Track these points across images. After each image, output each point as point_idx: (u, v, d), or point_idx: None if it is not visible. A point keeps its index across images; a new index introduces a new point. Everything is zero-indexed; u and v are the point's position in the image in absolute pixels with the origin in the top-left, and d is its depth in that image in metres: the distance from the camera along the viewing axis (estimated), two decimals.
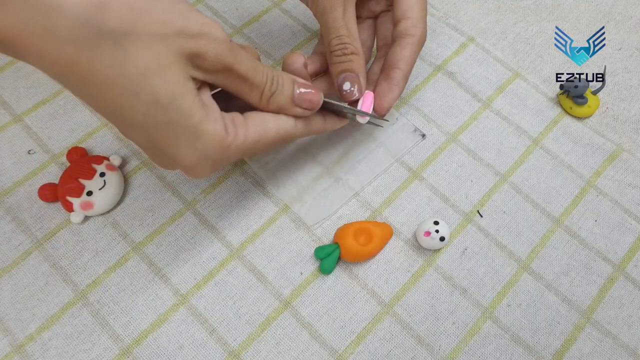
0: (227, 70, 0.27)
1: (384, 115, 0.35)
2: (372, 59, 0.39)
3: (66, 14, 0.22)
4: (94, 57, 0.23)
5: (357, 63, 0.34)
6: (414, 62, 0.35)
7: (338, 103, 0.33)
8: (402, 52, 0.35)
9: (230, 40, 0.27)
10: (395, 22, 0.36)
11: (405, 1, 0.35)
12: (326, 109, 0.33)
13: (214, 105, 0.27)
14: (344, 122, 0.35)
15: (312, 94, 0.31)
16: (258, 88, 0.29)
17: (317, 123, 0.33)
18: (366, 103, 0.34)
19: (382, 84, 0.35)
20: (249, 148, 0.29)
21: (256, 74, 0.28)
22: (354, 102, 0.34)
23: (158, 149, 0.27)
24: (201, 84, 0.27)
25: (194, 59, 0.25)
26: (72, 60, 0.22)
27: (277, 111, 0.30)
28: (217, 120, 0.27)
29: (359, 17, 0.36)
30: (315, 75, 0.37)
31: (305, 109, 0.31)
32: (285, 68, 0.34)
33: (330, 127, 0.34)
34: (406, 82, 0.35)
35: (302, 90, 0.31)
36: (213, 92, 0.29)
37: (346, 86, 0.33)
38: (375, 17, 0.39)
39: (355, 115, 0.34)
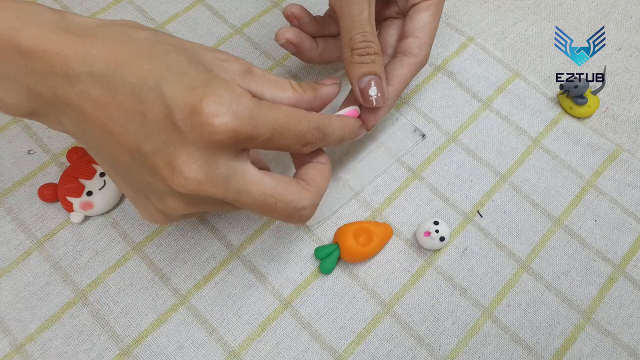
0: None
1: (369, 130, 0.34)
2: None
3: None
4: None
5: (380, 65, 0.32)
6: (409, 82, 0.35)
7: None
8: (400, 70, 0.34)
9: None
10: (401, 36, 0.35)
11: (418, 18, 0.34)
12: None
13: None
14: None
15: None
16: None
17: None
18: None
19: None
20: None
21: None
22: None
23: None
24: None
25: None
26: None
27: None
28: None
29: None
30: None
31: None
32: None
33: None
34: (396, 100, 0.34)
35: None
36: None
37: (373, 92, 0.31)
38: (380, 21, 0.38)
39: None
